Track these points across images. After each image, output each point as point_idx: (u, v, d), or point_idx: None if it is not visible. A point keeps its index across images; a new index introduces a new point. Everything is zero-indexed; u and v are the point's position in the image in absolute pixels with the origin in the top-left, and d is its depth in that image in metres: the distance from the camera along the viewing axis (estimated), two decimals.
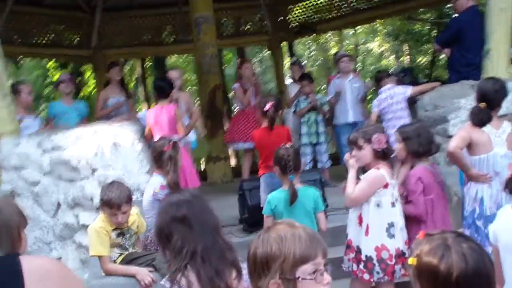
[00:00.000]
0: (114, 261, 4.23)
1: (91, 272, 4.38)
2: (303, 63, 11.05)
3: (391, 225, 3.98)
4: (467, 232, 4.42)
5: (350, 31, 23.84)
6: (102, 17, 12.34)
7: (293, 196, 4.25)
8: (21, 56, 14.30)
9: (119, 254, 4.25)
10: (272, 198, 4.39)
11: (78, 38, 12.85)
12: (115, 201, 4.09)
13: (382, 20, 18.53)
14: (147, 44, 13.28)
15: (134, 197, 5.22)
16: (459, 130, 4.78)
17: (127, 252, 4.27)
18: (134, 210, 4.39)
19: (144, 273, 4.11)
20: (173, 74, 7.26)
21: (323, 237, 4.09)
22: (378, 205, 3.98)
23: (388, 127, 6.11)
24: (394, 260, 3.94)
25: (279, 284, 1.92)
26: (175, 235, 2.56)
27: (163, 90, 6.22)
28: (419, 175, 4.25)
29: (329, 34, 22.80)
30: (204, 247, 2.54)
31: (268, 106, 5.48)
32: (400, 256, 3.97)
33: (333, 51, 26.50)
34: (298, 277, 1.92)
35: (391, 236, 3.97)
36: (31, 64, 21.34)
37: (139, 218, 4.44)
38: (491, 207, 4.40)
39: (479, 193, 4.46)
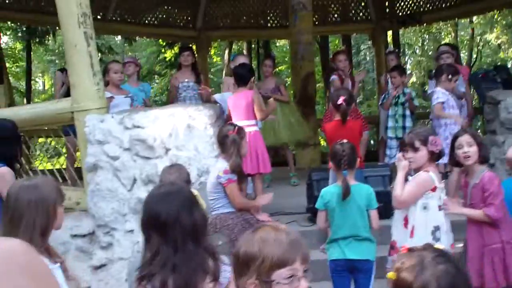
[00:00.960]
0: None
1: None
2: (399, 54, 10.84)
3: (437, 228, 3.93)
4: None
5: (466, 21, 22.93)
6: None
7: (345, 192, 4.29)
8: (132, 35, 14.94)
9: None
10: (325, 193, 4.45)
11: (184, 19, 13.31)
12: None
13: (498, 11, 17.67)
14: (250, 27, 13.53)
15: (202, 179, 5.47)
16: None
17: None
18: (193, 192, 4.58)
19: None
20: (240, 59, 7.40)
21: (374, 235, 4.16)
22: (425, 208, 3.95)
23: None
24: None
25: (256, 285, 2.00)
26: (152, 238, 2.55)
27: (242, 77, 6.37)
28: (498, 178, 4.14)
29: (441, 24, 22.00)
30: (178, 255, 2.48)
31: (340, 100, 5.50)
32: None
33: (446, 41, 25.66)
34: (273, 280, 1.98)
35: (437, 239, 3.93)
36: (145, 42, 22.30)
37: (199, 199, 4.62)
38: None
39: None
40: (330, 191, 4.43)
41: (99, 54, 16.02)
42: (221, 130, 5.08)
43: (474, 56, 25.42)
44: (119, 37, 18.02)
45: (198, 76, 8.12)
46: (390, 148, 7.75)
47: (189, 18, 13.26)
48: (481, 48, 26.99)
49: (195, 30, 13.11)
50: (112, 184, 5.94)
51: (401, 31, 22.53)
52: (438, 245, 1.98)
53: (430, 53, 26.24)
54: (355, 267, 4.29)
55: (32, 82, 25.24)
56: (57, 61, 26.08)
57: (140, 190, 5.79)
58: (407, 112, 7.96)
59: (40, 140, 10.29)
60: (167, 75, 19.97)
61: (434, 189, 3.95)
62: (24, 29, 16.63)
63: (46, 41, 18.20)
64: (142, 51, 23.74)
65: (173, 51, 17.02)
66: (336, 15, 13.41)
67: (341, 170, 4.34)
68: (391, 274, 1.92)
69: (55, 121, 6.57)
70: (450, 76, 6.27)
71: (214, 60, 20.99)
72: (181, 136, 5.65)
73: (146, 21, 13.00)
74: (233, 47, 20.16)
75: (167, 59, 18.40)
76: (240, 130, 5.00)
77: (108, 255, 5.91)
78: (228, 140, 4.90)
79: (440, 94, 6.38)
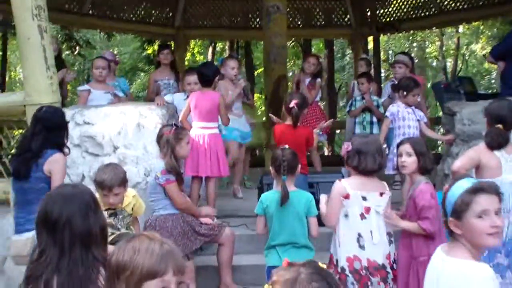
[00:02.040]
0: None
1: None
2: (371, 61, 10.73)
3: (360, 235, 3.83)
4: (505, 261, 4.21)
5: (451, 31, 22.96)
6: None
7: (283, 198, 4.19)
8: (109, 30, 14.78)
9: (110, 233, 4.36)
10: (264, 198, 4.36)
11: (163, 17, 13.18)
12: (107, 183, 4.20)
13: (482, 23, 17.67)
14: (229, 27, 13.42)
15: (149, 178, 5.34)
16: (469, 149, 4.52)
17: (118, 232, 4.38)
18: (131, 192, 4.49)
19: None
20: (230, 64, 7.28)
21: (313, 243, 4.05)
22: (346, 216, 3.86)
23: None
24: (364, 272, 3.80)
25: None
26: (42, 236, 2.49)
27: (207, 77, 6.16)
28: (431, 191, 4.06)
29: (428, 32, 21.96)
30: (64, 259, 2.41)
31: (292, 104, 5.40)
32: (378, 269, 3.83)
33: (432, 49, 25.69)
34: None
35: (361, 247, 3.82)
36: (130, 37, 22.13)
37: (137, 200, 4.53)
38: None
39: None
40: (269, 197, 4.32)
41: (77, 48, 15.89)
42: (160, 129, 5.00)
43: (460, 65, 25.45)
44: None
45: (178, 74, 8.00)
46: None
47: (168, 16, 13.14)
48: (467, 58, 27.04)
49: (174, 28, 12.99)
50: None
51: (386, 39, 22.62)
52: (321, 264, 1.88)
53: (416, 61, 26.28)
54: None
55: (13, 73, 25.03)
56: None
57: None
58: (374, 119, 7.90)
59: None
60: (150, 71, 19.95)
61: (347, 196, 3.83)
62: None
63: None
64: (125, 46, 23.59)
65: (154, 48, 16.93)
66: (320, 19, 13.31)
67: (281, 175, 4.24)
68: (266, 287, 1.85)
69: (8, 113, 6.41)
70: (405, 92, 6.20)
71: (197, 58, 20.85)
72: (130, 135, 5.55)
73: (124, 17, 12.86)
74: (217, 46, 20.08)
75: (149, 55, 18.28)
76: (179, 131, 4.89)
77: None
78: (162, 141, 4.81)
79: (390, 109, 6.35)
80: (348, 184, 3.88)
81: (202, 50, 20.61)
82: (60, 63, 7.54)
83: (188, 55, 13.66)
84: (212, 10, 13.24)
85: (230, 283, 4.92)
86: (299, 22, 13.24)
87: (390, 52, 25.64)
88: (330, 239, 4.55)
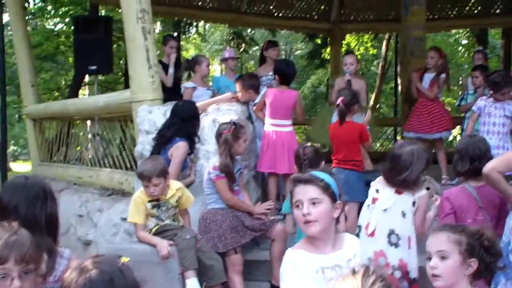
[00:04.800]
0: (150, 230, 4.63)
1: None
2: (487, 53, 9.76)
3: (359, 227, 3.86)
4: None
5: None
6: None
7: None
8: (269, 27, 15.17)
9: (155, 224, 4.64)
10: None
11: (320, 11, 13.25)
12: (146, 173, 4.47)
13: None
14: (384, 20, 13.11)
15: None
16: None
17: (163, 223, 4.64)
18: (176, 185, 4.70)
19: (163, 245, 4.43)
20: (348, 59, 7.21)
21: None
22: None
23: None
24: None
25: None
26: None
27: (287, 76, 6.26)
28: (447, 195, 3.84)
29: None
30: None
31: (338, 101, 5.30)
32: None
33: None
34: None
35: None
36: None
37: (183, 192, 4.72)
38: None
39: None
40: None
41: (243, 45, 16.58)
42: (219, 127, 5.11)
43: None
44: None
45: None
46: None
47: (326, 10, 13.15)
48: None
49: (330, 23, 13.01)
50: None
51: None
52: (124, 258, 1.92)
53: None
54: None
55: None
56: None
57: None
58: None
59: None
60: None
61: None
62: None
63: None
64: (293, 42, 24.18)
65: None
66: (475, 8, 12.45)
67: (303, 173, 4.16)
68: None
69: (119, 110, 7.04)
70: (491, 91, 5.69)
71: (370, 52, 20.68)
72: (206, 130, 5.78)
73: (281, 14, 13.15)
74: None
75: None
76: (237, 130, 4.98)
77: None
78: (221, 139, 4.93)
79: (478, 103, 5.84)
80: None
81: (376, 44, 20.23)
82: (179, 62, 8.04)
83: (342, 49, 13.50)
84: (368, 4, 13.03)
85: None
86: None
87: None
88: None
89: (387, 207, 3.77)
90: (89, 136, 8.83)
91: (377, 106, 20.41)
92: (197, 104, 5.91)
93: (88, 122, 9.00)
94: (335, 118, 5.98)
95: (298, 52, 26.66)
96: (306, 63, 21.48)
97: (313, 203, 2.59)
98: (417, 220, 3.83)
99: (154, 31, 6.70)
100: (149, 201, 4.58)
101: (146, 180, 4.48)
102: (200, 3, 12.45)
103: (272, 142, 5.77)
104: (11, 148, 27.46)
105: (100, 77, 13.96)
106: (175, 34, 14.77)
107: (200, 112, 5.88)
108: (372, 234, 3.74)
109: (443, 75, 7.75)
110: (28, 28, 12.67)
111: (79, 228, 7.31)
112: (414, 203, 3.81)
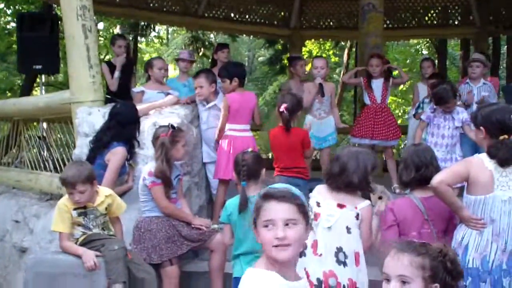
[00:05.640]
0: (77, 240, 4.29)
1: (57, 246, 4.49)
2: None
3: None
4: None
5: None
6: None
7: (242, 204, 3.88)
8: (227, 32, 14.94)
9: (82, 233, 4.30)
10: (228, 205, 4.07)
11: (280, 18, 13.06)
12: (69, 180, 4.14)
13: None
14: (344, 27, 12.98)
15: None
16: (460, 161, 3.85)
17: (90, 232, 4.30)
18: (106, 192, 4.38)
19: (89, 256, 4.10)
20: (318, 63, 6.96)
21: None
22: None
23: None
24: None
25: None
26: None
27: (244, 77, 6.08)
28: (391, 206, 3.65)
29: None
30: None
31: (282, 108, 5.09)
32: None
33: None
34: None
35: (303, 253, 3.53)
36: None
37: (113, 199, 4.39)
38: (475, 258, 3.54)
39: (465, 239, 3.59)
40: (233, 204, 4.00)
41: (202, 49, 16.31)
42: (156, 130, 4.80)
43: None
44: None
45: None
46: None
47: (285, 17, 12.98)
48: None
49: (290, 29, 12.82)
50: None
51: None
52: None
53: None
54: None
55: None
56: None
57: None
58: None
59: None
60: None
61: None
62: None
63: None
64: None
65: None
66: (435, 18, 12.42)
67: (241, 181, 3.90)
68: None
69: (59, 111, 6.66)
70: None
71: (332, 60, 20.60)
72: (145, 134, 5.48)
73: (240, 19, 12.92)
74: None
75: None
76: (175, 133, 4.68)
77: None
78: (157, 142, 4.62)
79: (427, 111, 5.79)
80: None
81: (338, 52, 20.18)
82: (129, 65, 7.72)
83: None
84: (328, 11, 12.90)
85: None
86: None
87: None
88: None
89: (330, 224, 3.54)
90: (30, 137, 8.41)
91: (339, 114, 20.29)
92: (138, 107, 5.60)
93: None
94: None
95: (261, 58, 26.54)
96: (268, 69, 21.35)
97: (287, 224, 2.18)
98: (364, 233, 3.60)
99: (97, 30, 6.35)
100: (75, 209, 4.24)
101: (70, 187, 4.15)
102: (157, 5, 12.14)
103: (233, 149, 5.49)
104: None
105: (53, 78, 13.48)
106: (131, 37, 14.37)
107: (141, 115, 5.58)
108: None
109: (391, 80, 7.55)
110: None
111: (15, 235, 6.91)
112: (357, 216, 3.59)
